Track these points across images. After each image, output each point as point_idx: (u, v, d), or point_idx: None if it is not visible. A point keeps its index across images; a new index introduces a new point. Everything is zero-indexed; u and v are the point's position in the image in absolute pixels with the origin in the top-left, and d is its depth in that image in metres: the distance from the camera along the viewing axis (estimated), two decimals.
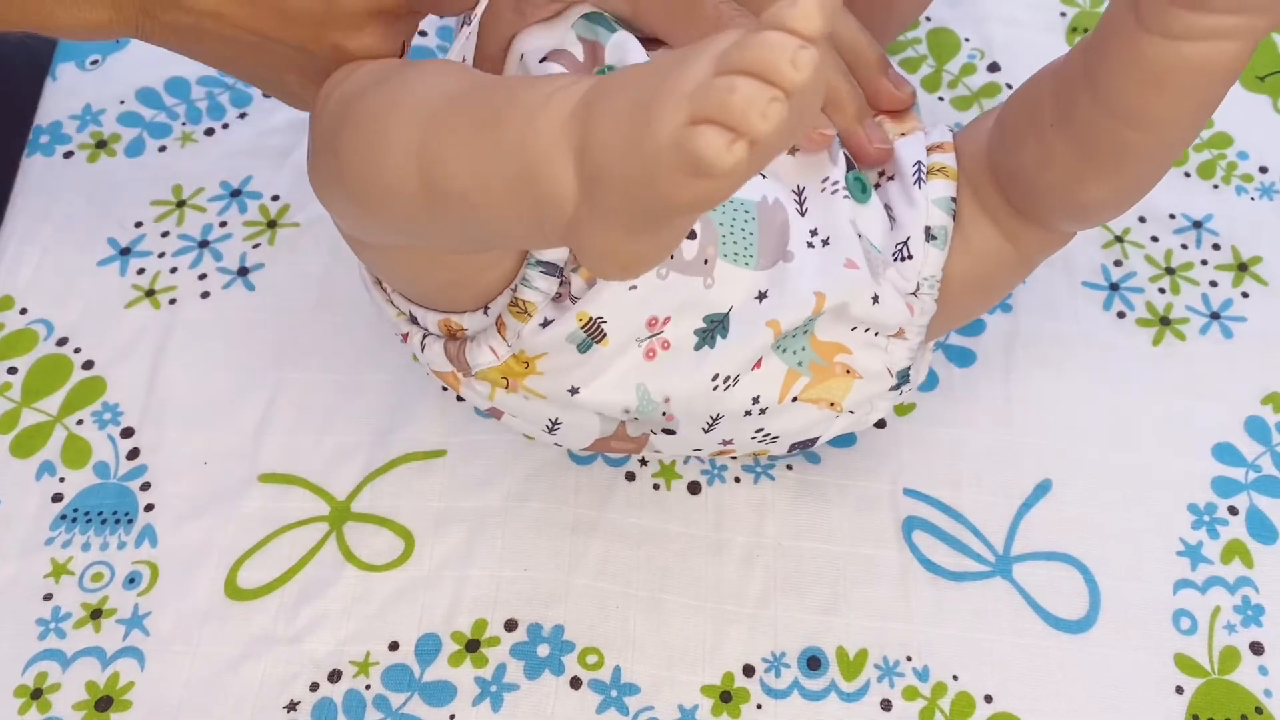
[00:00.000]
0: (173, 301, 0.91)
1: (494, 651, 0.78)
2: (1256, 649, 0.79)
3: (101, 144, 0.98)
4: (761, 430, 0.75)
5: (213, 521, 0.82)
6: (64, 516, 0.82)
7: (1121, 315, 0.91)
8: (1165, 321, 0.91)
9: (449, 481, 0.84)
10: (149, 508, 0.82)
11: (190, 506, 0.82)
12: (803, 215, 0.72)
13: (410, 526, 0.82)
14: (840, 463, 0.85)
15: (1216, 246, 0.95)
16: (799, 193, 0.72)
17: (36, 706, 0.75)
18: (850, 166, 0.74)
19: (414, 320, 0.75)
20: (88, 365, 0.88)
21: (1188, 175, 0.99)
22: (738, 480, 0.84)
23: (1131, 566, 0.81)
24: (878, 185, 0.76)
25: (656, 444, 0.77)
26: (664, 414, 0.73)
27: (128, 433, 0.85)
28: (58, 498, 0.82)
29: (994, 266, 0.76)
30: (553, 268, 0.69)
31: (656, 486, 0.84)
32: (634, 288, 0.69)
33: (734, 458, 0.84)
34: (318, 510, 0.82)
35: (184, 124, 1.00)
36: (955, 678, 0.77)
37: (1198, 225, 0.96)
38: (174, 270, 0.92)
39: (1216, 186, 0.98)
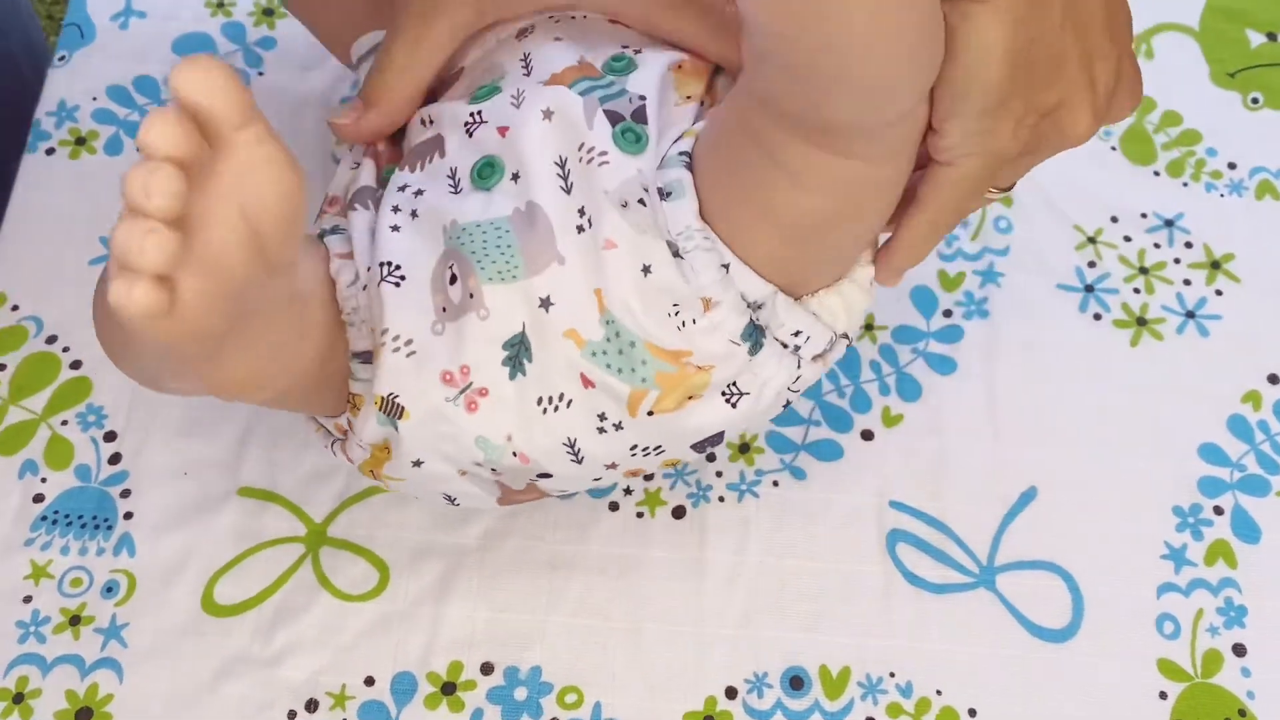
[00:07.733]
0: None
1: (470, 696, 0.77)
2: (1239, 651, 0.79)
3: (80, 141, 0.97)
4: (635, 446, 0.70)
5: (191, 533, 0.81)
6: (44, 518, 0.81)
7: (1098, 317, 0.92)
8: (1142, 322, 0.91)
9: (425, 515, 0.83)
10: (128, 515, 0.81)
11: (168, 517, 0.82)
12: (568, 193, 0.66)
13: (386, 558, 0.81)
14: (826, 478, 0.85)
15: (1189, 245, 0.95)
16: (562, 164, 0.67)
17: (19, 711, 0.75)
18: (614, 122, 0.67)
19: (319, 423, 0.73)
20: (75, 365, 0.87)
21: (1157, 174, 0.99)
22: (722, 500, 0.84)
23: (1115, 572, 0.82)
24: None
25: (544, 486, 0.74)
26: (514, 454, 0.69)
27: (110, 436, 0.84)
28: (39, 498, 0.82)
29: (846, 189, 0.63)
30: (367, 355, 0.67)
31: (640, 515, 0.83)
32: (412, 354, 0.66)
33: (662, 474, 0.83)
34: (294, 530, 0.82)
35: None
36: (939, 693, 0.78)
37: (1169, 224, 0.96)
38: None
39: (1186, 184, 0.98)
